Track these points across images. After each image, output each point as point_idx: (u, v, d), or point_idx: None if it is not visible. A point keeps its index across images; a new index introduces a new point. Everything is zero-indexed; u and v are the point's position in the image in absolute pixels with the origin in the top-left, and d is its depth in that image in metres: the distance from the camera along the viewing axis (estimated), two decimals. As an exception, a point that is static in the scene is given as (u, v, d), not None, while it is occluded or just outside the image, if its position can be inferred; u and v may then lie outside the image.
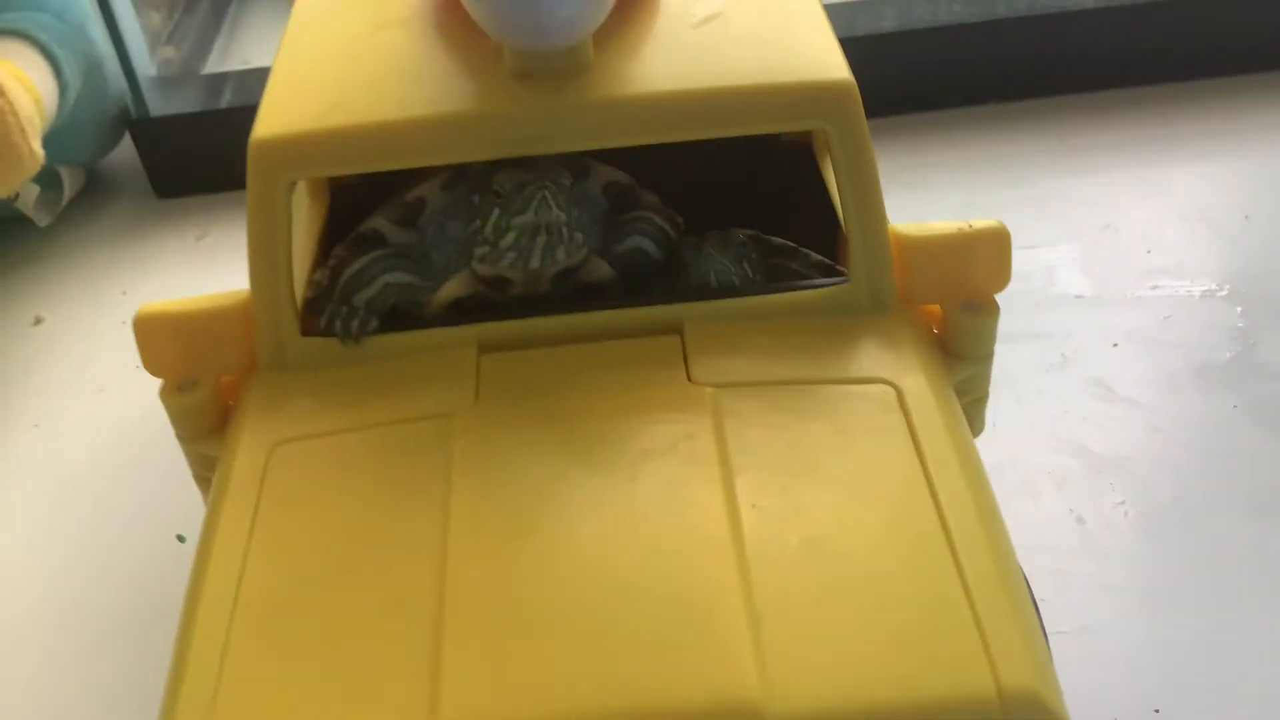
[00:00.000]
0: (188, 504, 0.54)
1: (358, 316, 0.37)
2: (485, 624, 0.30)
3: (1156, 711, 0.42)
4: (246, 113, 0.72)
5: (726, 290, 0.38)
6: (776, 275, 0.39)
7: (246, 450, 0.35)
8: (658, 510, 0.32)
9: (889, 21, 0.74)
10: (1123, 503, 0.50)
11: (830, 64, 0.36)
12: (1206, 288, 0.60)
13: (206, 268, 0.70)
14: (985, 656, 0.29)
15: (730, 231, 0.39)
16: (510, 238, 0.36)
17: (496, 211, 0.36)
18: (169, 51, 0.76)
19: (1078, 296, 0.60)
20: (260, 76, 0.76)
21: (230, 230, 0.73)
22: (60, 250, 0.72)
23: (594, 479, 0.33)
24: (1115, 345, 0.57)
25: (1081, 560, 0.48)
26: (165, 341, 0.38)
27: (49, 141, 0.64)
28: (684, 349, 0.36)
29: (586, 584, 0.30)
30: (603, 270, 0.38)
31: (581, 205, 0.37)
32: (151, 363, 0.38)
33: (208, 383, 0.38)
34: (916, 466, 0.33)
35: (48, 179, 0.70)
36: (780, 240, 0.40)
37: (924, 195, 0.67)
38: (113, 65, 0.72)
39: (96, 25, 0.70)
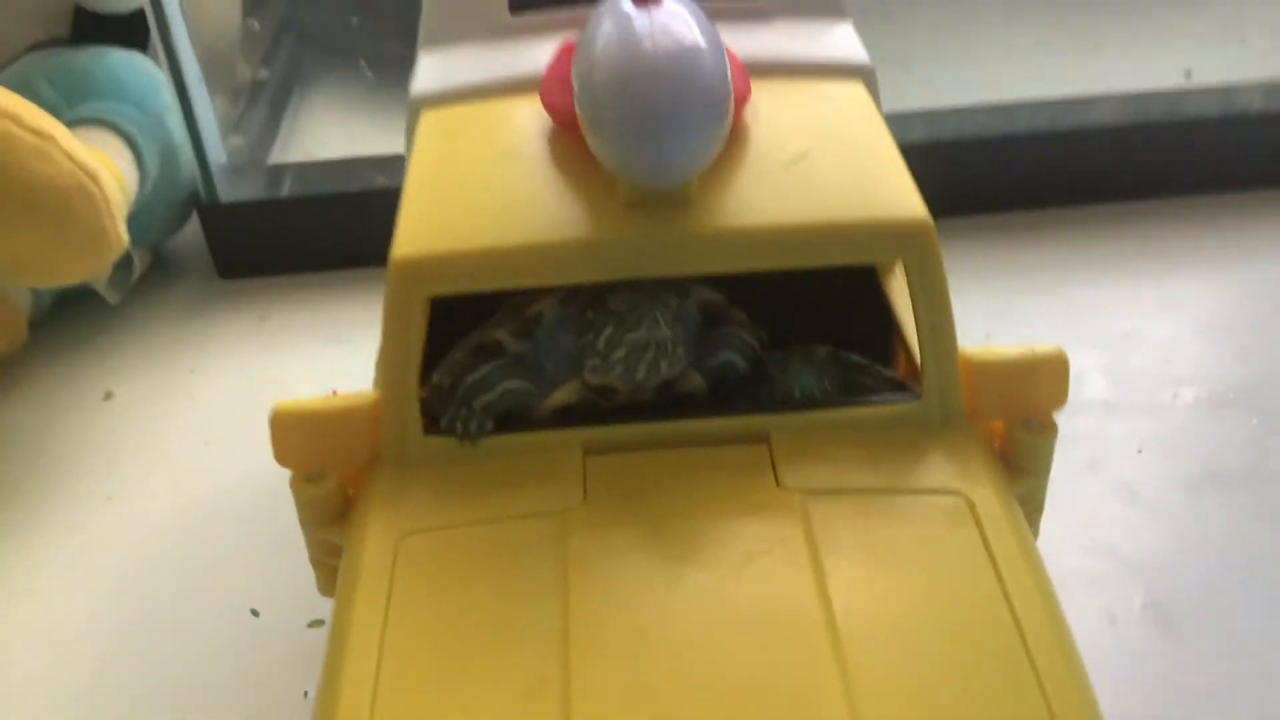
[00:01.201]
0: (261, 578, 0.58)
1: (476, 418, 0.41)
2: (610, 707, 0.33)
3: (1186, 805, 0.45)
4: (306, 202, 0.77)
5: (810, 402, 0.42)
6: (852, 390, 0.43)
7: (375, 539, 0.39)
8: (760, 605, 0.35)
9: (918, 133, 0.78)
10: (1150, 604, 0.53)
11: (910, 203, 0.41)
12: (1224, 397, 0.64)
13: (272, 348, 0.73)
14: None
15: (813, 348, 0.43)
16: (622, 352, 0.40)
17: (610, 328, 0.40)
18: (237, 140, 0.80)
19: (1103, 402, 0.64)
20: (319, 170, 0.81)
21: (290, 312, 0.76)
22: (129, 327, 0.75)
23: (701, 576, 0.36)
24: (1140, 451, 0.61)
25: (1113, 659, 0.51)
26: (298, 436, 0.41)
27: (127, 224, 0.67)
28: (772, 456, 0.40)
29: (700, 680, 0.34)
30: (696, 381, 0.42)
31: (681, 322, 0.41)
32: (283, 455, 0.42)
33: (334, 474, 0.42)
34: (990, 570, 0.36)
35: (119, 259, 0.73)
36: (856, 357, 0.44)
37: (955, 297, 0.71)
38: (185, 152, 0.76)
39: (174, 115, 0.75)
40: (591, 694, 0.33)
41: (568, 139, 0.43)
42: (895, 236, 0.40)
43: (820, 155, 0.43)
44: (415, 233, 0.41)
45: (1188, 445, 0.61)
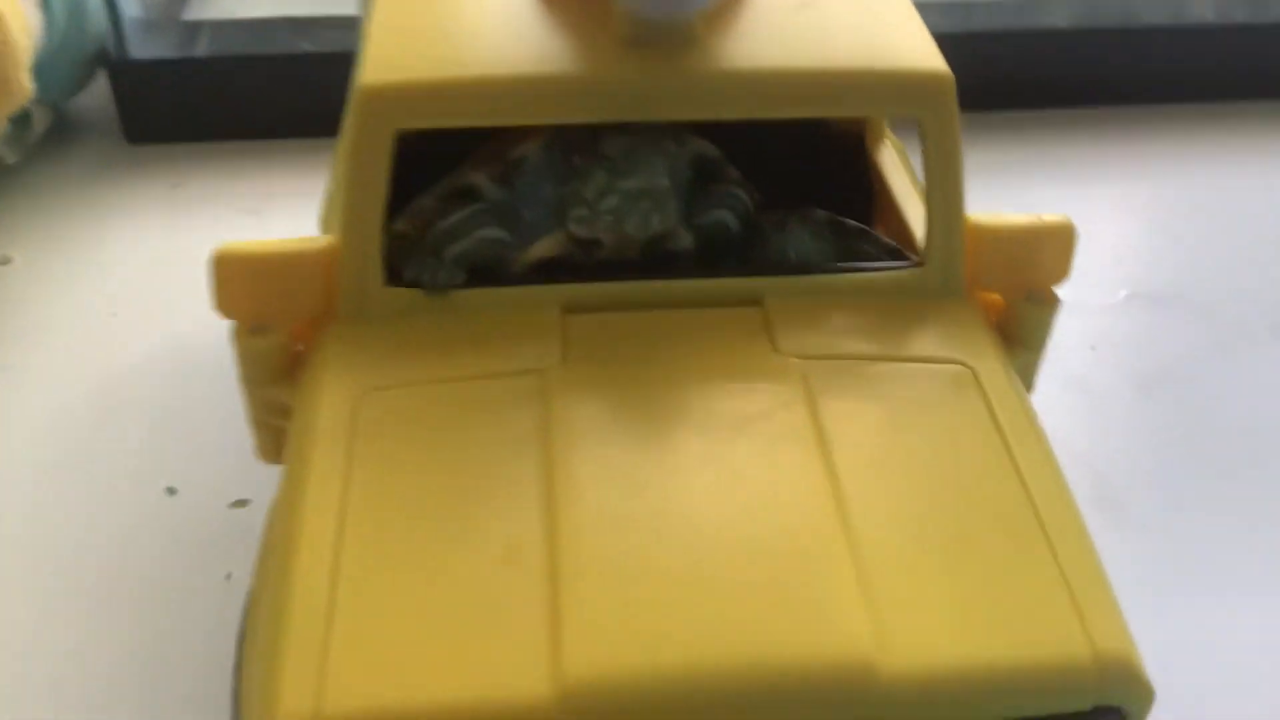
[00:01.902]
0: (177, 455, 0.54)
1: (445, 268, 0.37)
2: (601, 575, 0.30)
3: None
4: (224, 62, 0.72)
5: (806, 266, 0.39)
6: (849, 255, 0.41)
7: (333, 397, 0.35)
8: (761, 472, 0.33)
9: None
10: (1098, 497, 0.53)
11: (929, 55, 0.38)
12: (1174, 297, 0.64)
13: (183, 218, 0.69)
14: (1079, 621, 0.30)
15: (811, 210, 0.40)
16: (613, 201, 0.36)
17: (603, 174, 0.36)
18: (152, -7, 0.75)
19: (1057, 301, 0.63)
20: (237, 28, 0.75)
21: (206, 180, 0.71)
22: (28, 190, 0.70)
23: (695, 439, 0.34)
24: (1093, 348, 0.61)
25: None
26: (244, 282, 0.37)
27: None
28: (767, 320, 0.37)
29: (698, 538, 0.31)
30: (685, 239, 0.39)
31: (674, 175, 0.37)
32: (225, 304, 0.38)
33: (282, 327, 0.38)
34: (998, 440, 0.34)
35: (17, 115, 0.68)
36: (854, 223, 0.41)
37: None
38: (95, 2, 0.70)
39: (82, -40, 0.69)
40: (579, 557, 0.30)
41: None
42: (915, 89, 0.37)
43: (829, 4, 0.39)
44: (385, 59, 0.37)
45: (1139, 343, 0.61)
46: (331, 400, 0.35)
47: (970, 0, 0.79)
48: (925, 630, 0.30)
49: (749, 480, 0.33)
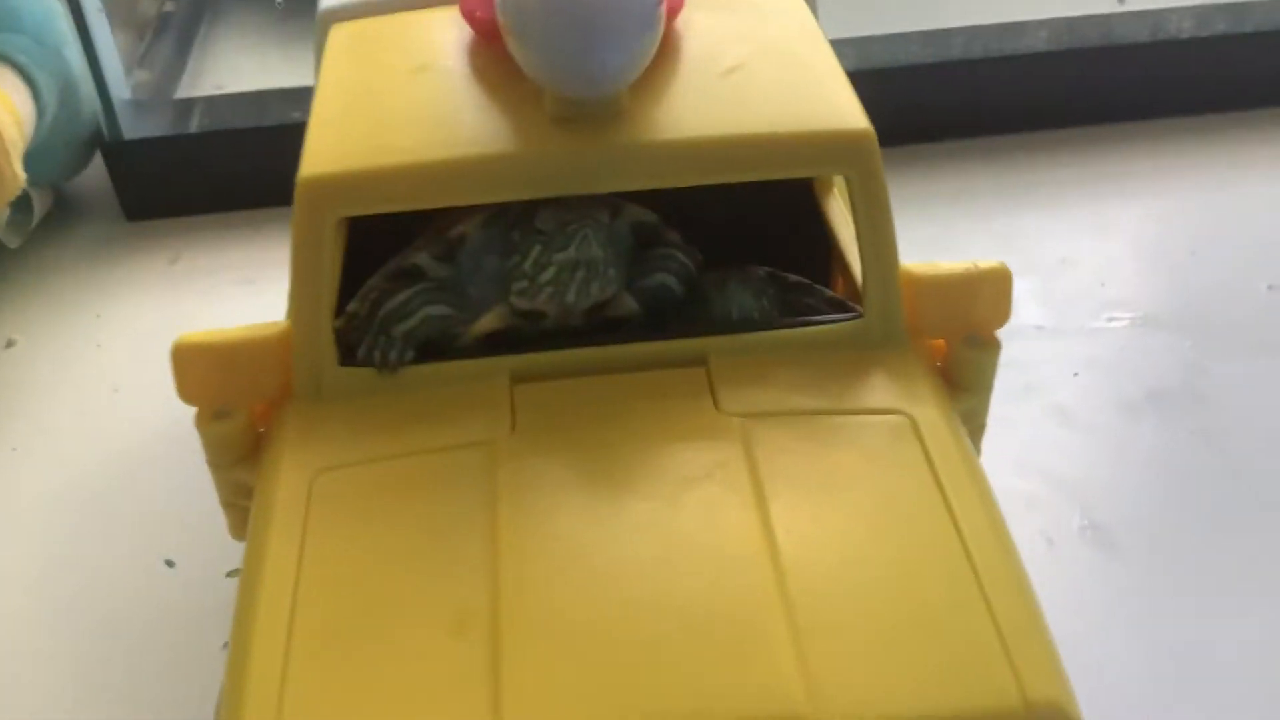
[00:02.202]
0: (176, 528, 0.55)
1: (395, 346, 0.38)
2: (542, 643, 0.31)
3: (1131, 722, 0.45)
4: (217, 137, 0.74)
5: (748, 324, 0.40)
6: (792, 310, 0.41)
7: (288, 477, 0.36)
8: (699, 533, 0.34)
9: (848, 60, 0.76)
10: (1087, 525, 0.53)
11: (851, 114, 0.39)
12: (1158, 320, 0.64)
13: (182, 292, 0.70)
14: (1010, 670, 0.31)
15: (750, 268, 0.41)
16: (550, 273, 0.38)
17: (538, 248, 0.38)
18: (143, 75, 0.77)
19: (1038, 328, 0.63)
20: (228, 103, 0.77)
21: (202, 253, 0.73)
22: (30, 272, 0.72)
23: (637, 504, 0.34)
24: (1076, 375, 0.61)
25: (1051, 580, 0.50)
26: (203, 370, 0.39)
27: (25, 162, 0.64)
28: (710, 380, 0.38)
29: (636, 603, 0.32)
30: (629, 305, 0.40)
31: (612, 243, 0.39)
32: (187, 391, 0.39)
33: (242, 411, 0.39)
34: (935, 490, 0.35)
35: (17, 200, 0.70)
36: (796, 277, 0.42)
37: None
38: (87, 87, 0.72)
39: (73, 48, 0.71)
40: (522, 626, 0.31)
41: (490, 52, 0.41)
42: (836, 148, 0.38)
43: (757, 66, 0.41)
44: (324, 151, 0.38)
45: (1122, 368, 0.61)
46: (287, 480, 0.36)
47: (950, 28, 0.80)
48: (857, 684, 0.30)
49: (688, 541, 0.34)
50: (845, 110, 0.39)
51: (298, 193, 0.37)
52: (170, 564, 0.54)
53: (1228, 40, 0.79)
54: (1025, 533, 0.52)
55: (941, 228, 0.71)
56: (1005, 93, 0.78)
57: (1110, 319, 0.64)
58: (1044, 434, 0.57)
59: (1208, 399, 0.59)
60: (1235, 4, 0.81)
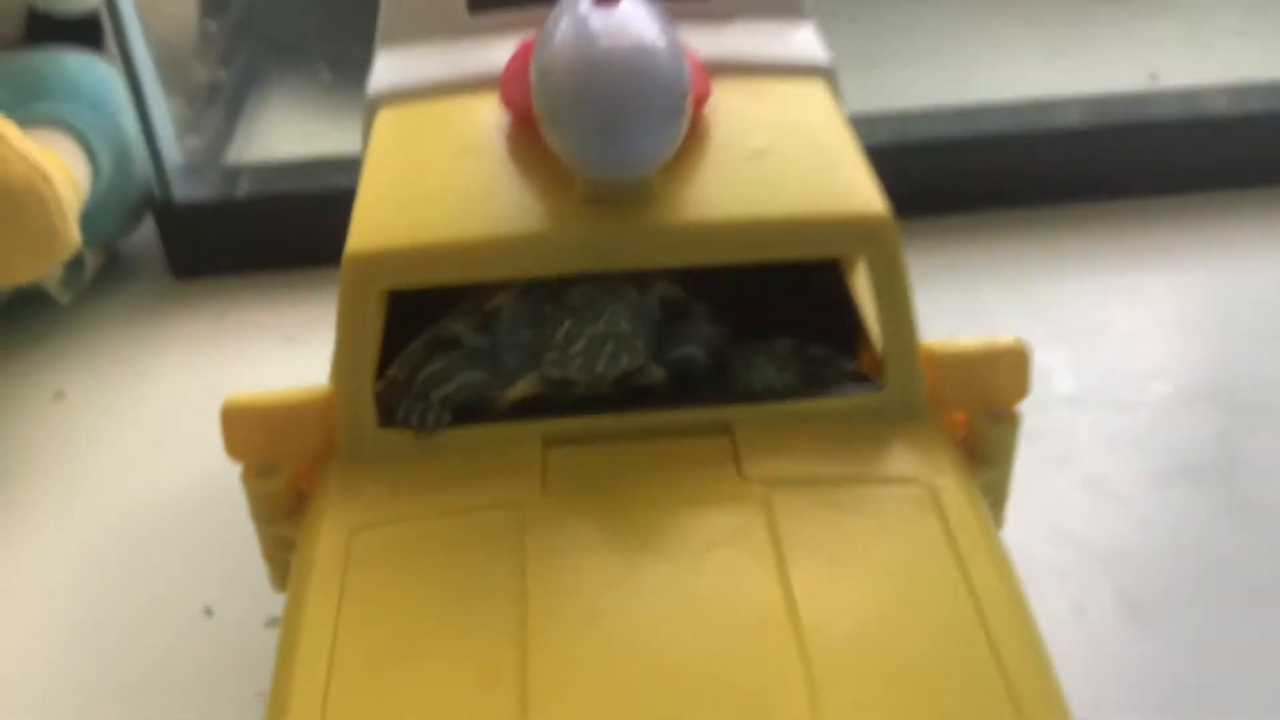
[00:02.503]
0: (215, 578, 0.57)
1: (433, 410, 0.40)
2: (569, 698, 0.32)
3: (1151, 795, 0.45)
4: (263, 201, 0.76)
5: (772, 395, 0.42)
6: (814, 382, 0.43)
7: (329, 534, 0.38)
8: (721, 596, 0.35)
9: (885, 135, 0.78)
10: (1118, 595, 0.53)
11: (870, 198, 0.40)
12: (1191, 392, 0.64)
13: (226, 349, 0.72)
14: None
15: (775, 342, 0.43)
16: (581, 345, 0.39)
17: (569, 322, 0.39)
18: (193, 140, 0.79)
19: (1071, 398, 0.64)
20: (276, 170, 0.80)
21: (247, 312, 0.75)
22: (81, 327, 0.74)
23: (661, 566, 0.36)
24: (1111, 446, 0.61)
25: (1081, 649, 0.51)
26: (250, 429, 0.40)
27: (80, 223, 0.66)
28: (734, 448, 0.39)
29: (659, 662, 0.33)
30: (657, 374, 0.41)
31: (641, 316, 0.40)
32: (235, 448, 0.41)
33: (287, 469, 0.41)
34: (952, 560, 0.36)
35: (70, 259, 0.72)
36: (820, 350, 0.43)
37: (923, 295, 0.71)
38: (140, 151, 0.74)
39: (128, 114, 0.73)
40: (549, 682, 0.33)
41: (526, 136, 0.43)
42: (855, 230, 0.40)
43: (781, 151, 0.42)
44: (370, 227, 0.40)
45: (1156, 440, 0.61)
46: (328, 537, 0.38)
47: (982, 104, 0.81)
48: (875, 753, 0.31)
49: (710, 603, 0.35)
50: (864, 194, 0.40)
51: (344, 266, 0.39)
52: (209, 613, 0.55)
53: (1261, 119, 0.80)
54: (1056, 602, 0.52)
55: (972, 298, 0.71)
56: (1037, 167, 0.79)
57: (1143, 390, 0.64)
58: (1076, 504, 0.58)
59: (1241, 474, 0.59)
60: (1271, 84, 0.82)
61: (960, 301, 0.71)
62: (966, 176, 0.79)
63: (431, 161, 0.43)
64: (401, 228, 0.40)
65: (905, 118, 0.80)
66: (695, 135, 0.42)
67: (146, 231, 0.79)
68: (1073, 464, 0.60)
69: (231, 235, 0.77)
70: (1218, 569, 0.54)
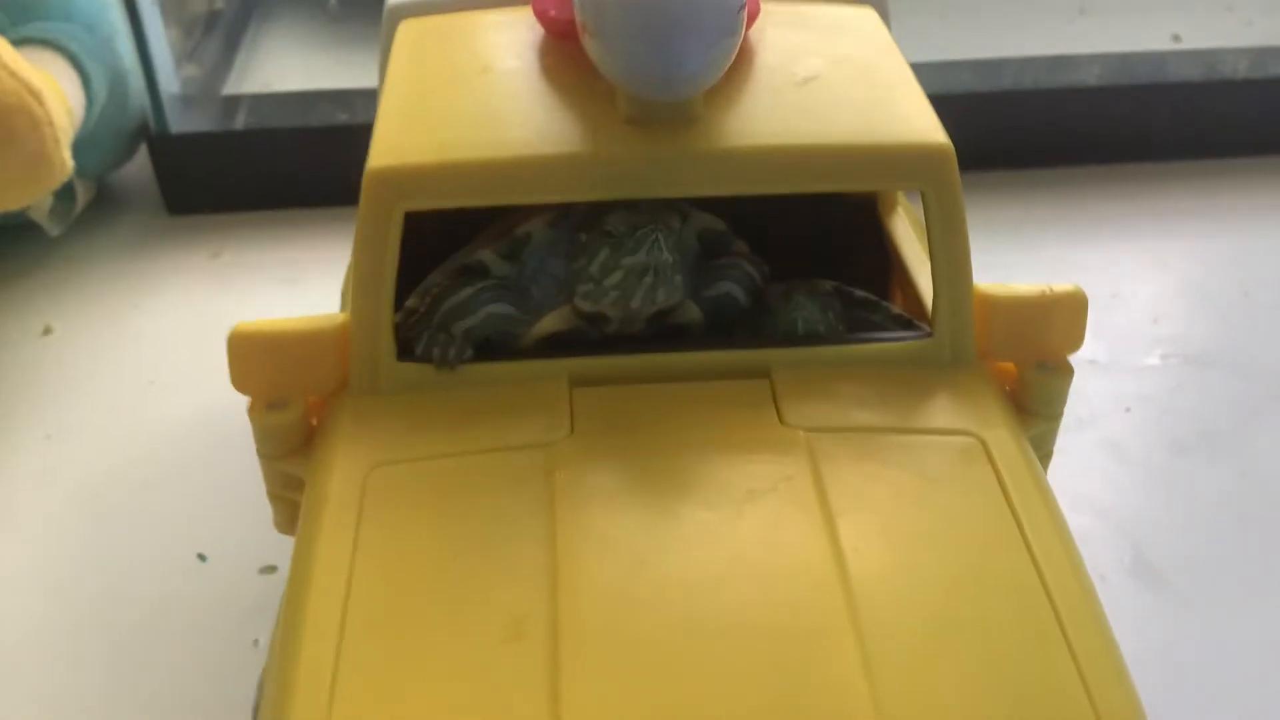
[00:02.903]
0: (208, 522, 0.55)
1: (455, 344, 0.38)
2: (601, 651, 0.30)
3: (1180, 764, 0.44)
4: (263, 135, 0.73)
5: (814, 338, 0.39)
6: (857, 326, 0.41)
7: (343, 472, 0.35)
8: (764, 548, 0.33)
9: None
10: (1138, 562, 0.52)
11: (929, 128, 0.38)
12: (1211, 358, 0.63)
13: (222, 288, 0.70)
14: (1087, 698, 0.30)
15: (817, 282, 0.41)
16: (617, 276, 0.37)
17: (606, 250, 0.37)
18: (191, 69, 0.77)
19: (1091, 361, 0.62)
20: (276, 101, 0.77)
21: (244, 250, 0.73)
22: (70, 261, 0.72)
23: (699, 513, 0.34)
24: (1128, 410, 0.60)
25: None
26: (259, 360, 0.38)
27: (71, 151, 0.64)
28: (774, 392, 0.37)
29: (700, 614, 0.31)
30: (693, 313, 0.39)
31: (680, 250, 0.38)
32: (242, 381, 0.38)
33: (297, 403, 0.38)
34: (1007, 513, 0.34)
35: (61, 189, 0.69)
36: (862, 293, 0.41)
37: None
38: (136, 80, 0.72)
39: (124, 40, 0.71)
40: (581, 633, 0.30)
41: (562, 51, 0.40)
42: (915, 162, 0.37)
43: (833, 78, 0.40)
44: (392, 144, 0.37)
45: (1175, 405, 0.60)
46: (341, 475, 0.35)
47: (1002, 58, 0.79)
48: (929, 707, 0.29)
49: (752, 555, 0.33)
50: (924, 124, 0.38)
51: (365, 184, 0.36)
52: (202, 558, 0.53)
53: (1282, 83, 0.79)
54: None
55: (990, 257, 0.68)
56: (1057, 125, 0.78)
57: (1163, 355, 0.63)
58: (1096, 468, 0.57)
59: (1259, 440, 0.58)
60: (1291, 47, 0.81)
61: (976, 261, 0.69)
62: (985, 132, 0.77)
63: (459, 77, 0.40)
64: (427, 145, 0.37)
65: (923, 69, 0.77)
66: (742, 58, 0.40)
67: (140, 163, 0.76)
68: (1092, 429, 0.59)
69: (228, 170, 0.75)
70: (1234, 535, 0.53)
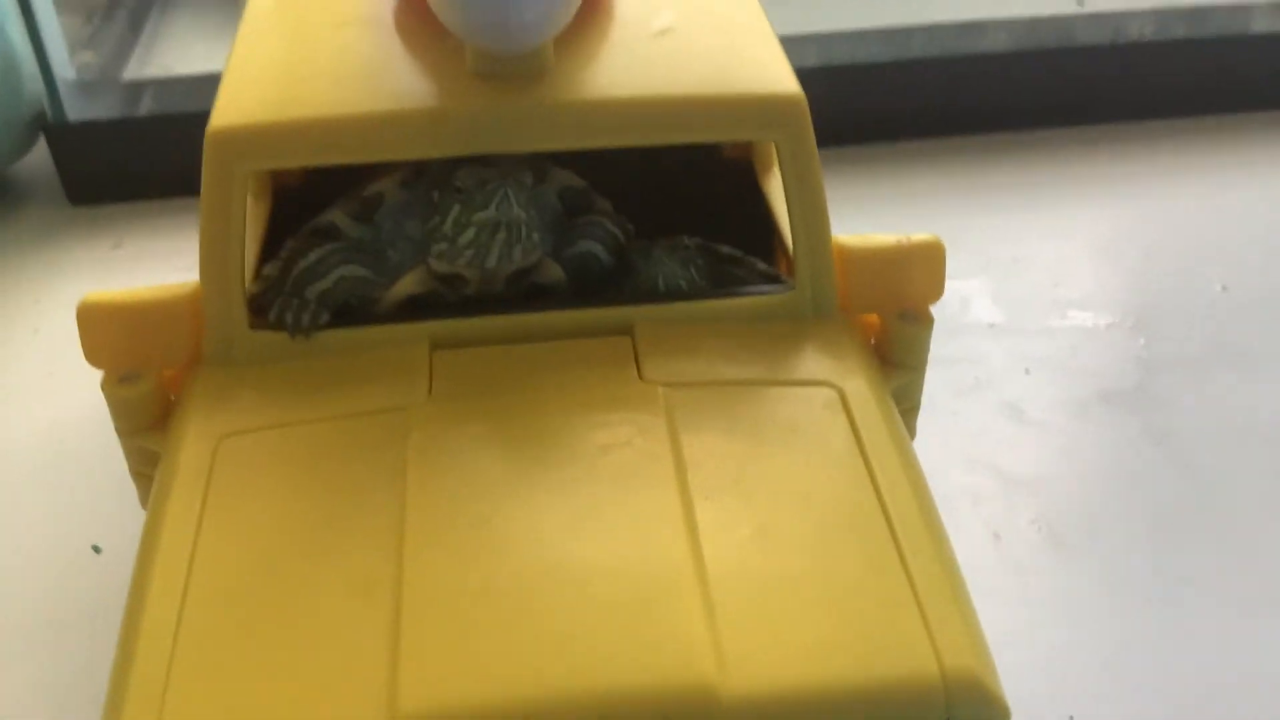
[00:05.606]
0: (104, 514, 0.54)
1: (309, 309, 0.37)
2: (444, 608, 0.30)
3: (1071, 718, 0.44)
4: (165, 121, 0.72)
5: (675, 294, 0.39)
6: (723, 281, 0.40)
7: (193, 443, 0.35)
8: (615, 502, 0.32)
9: (810, 58, 0.76)
10: (1035, 520, 0.52)
11: (782, 78, 0.38)
12: (1111, 320, 0.63)
13: (124, 279, 0.68)
14: (929, 640, 0.30)
15: (678, 238, 0.40)
16: (470, 234, 0.36)
17: (457, 207, 0.36)
18: (88, 56, 0.75)
19: (990, 325, 0.63)
20: (181, 86, 0.76)
21: (148, 239, 0.72)
22: (-32, 255, 0.71)
23: (551, 472, 0.33)
24: (1027, 371, 0.60)
25: (998, 575, 0.49)
26: (109, 332, 0.37)
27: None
28: (635, 349, 0.37)
29: (545, 570, 0.31)
30: (555, 272, 0.39)
31: (537, 207, 0.37)
32: (93, 353, 0.38)
33: (151, 375, 0.38)
34: (860, 462, 0.34)
35: (-45, 181, 0.68)
36: (727, 248, 0.41)
37: (839, 227, 0.69)
38: (29, 67, 0.70)
39: (15, 25, 0.69)
40: (425, 591, 0.30)
41: (411, 6, 0.40)
42: (766, 112, 0.37)
43: (688, 30, 0.40)
44: (237, 102, 0.37)
45: (1074, 366, 0.60)
46: (191, 447, 0.35)
47: (909, 25, 0.79)
48: (771, 653, 0.29)
49: (601, 509, 0.32)
50: (776, 75, 0.38)
51: (206, 144, 0.36)
52: (98, 550, 0.52)
53: (1187, 45, 0.79)
54: (973, 527, 0.51)
55: (893, 226, 0.68)
56: (964, 92, 0.78)
57: (1063, 318, 0.63)
58: (994, 430, 0.56)
59: (1159, 399, 0.58)
60: (1195, 9, 0.81)
61: (879, 229, 0.69)
62: (892, 101, 0.77)
63: (309, 33, 0.40)
64: (272, 103, 0.36)
65: (830, 39, 0.77)
66: (596, 11, 0.39)
67: (39, 154, 0.75)
68: (990, 390, 0.59)
69: (131, 158, 0.73)
70: (1132, 493, 0.53)
